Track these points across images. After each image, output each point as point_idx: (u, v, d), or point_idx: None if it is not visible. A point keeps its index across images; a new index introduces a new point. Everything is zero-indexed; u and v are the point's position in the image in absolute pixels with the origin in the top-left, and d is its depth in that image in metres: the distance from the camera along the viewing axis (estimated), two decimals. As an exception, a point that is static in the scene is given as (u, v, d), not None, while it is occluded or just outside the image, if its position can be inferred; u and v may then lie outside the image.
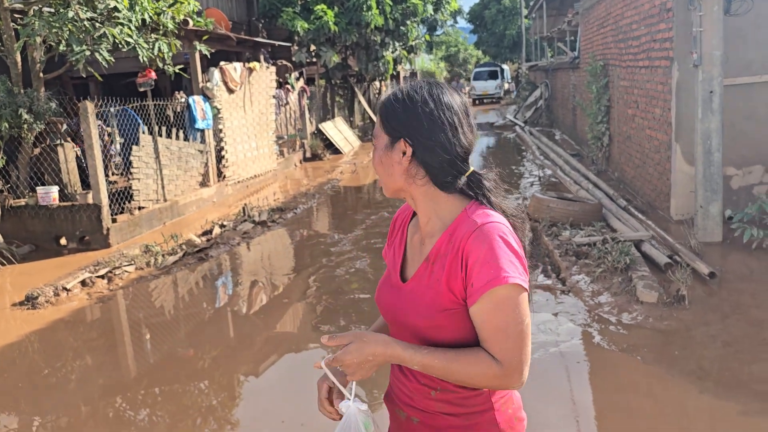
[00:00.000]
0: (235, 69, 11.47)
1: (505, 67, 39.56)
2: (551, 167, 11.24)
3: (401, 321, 1.45)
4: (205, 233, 8.22)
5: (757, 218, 5.90)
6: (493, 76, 35.89)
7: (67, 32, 7.04)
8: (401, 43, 19.77)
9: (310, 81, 17.82)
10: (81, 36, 7.17)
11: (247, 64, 12.16)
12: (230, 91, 11.41)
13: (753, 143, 6.60)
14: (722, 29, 5.85)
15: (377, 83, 24.11)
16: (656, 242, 6.06)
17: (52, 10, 7.23)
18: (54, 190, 7.77)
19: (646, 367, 4.05)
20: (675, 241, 5.93)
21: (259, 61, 13.25)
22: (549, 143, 14.10)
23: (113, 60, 7.64)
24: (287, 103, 14.87)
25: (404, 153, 1.40)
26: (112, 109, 9.52)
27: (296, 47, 16.64)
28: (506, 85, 37.98)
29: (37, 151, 8.08)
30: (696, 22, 5.94)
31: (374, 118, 21.82)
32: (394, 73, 21.76)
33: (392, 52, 19.24)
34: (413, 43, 20.43)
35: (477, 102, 36.37)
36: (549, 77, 20.12)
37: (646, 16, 7.82)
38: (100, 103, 8.31)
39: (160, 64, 8.66)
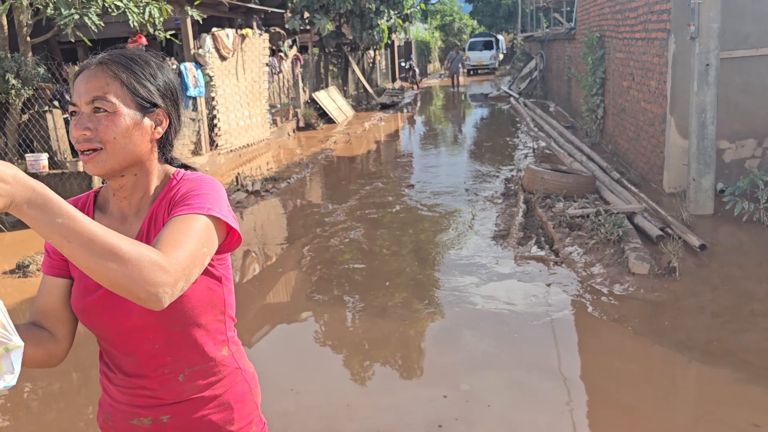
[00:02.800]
0: (227, 36, 11.30)
1: (500, 37, 39.22)
2: (545, 139, 11.22)
3: (119, 319, 1.29)
4: (197, 202, 8.17)
5: (748, 192, 5.92)
6: (487, 46, 35.61)
7: (56, -5, 6.90)
8: (396, 12, 19.53)
9: (303, 49, 17.62)
10: (69, -1, 7.03)
11: (239, 31, 11.98)
12: (222, 58, 11.26)
13: (746, 117, 6.59)
14: (720, 1, 5.79)
15: (371, 52, 23.86)
16: (648, 215, 6.09)
17: (40, -28, 7.07)
18: (43, 158, 7.69)
19: (636, 337, 4.10)
20: (667, 214, 5.96)
21: (251, 27, 13.06)
22: (543, 115, 14.05)
23: (102, 25, 7.50)
24: (280, 71, 14.70)
25: (158, 124, 1.31)
26: (102, 76, 9.37)
27: (290, 14, 16.40)
28: (501, 56, 37.72)
29: (25, 117, 7.98)
30: (694, -7, 5.88)
31: (368, 87, 21.66)
32: (389, 42, 21.54)
33: (387, 21, 19.01)
34: (408, 12, 20.18)
35: (471, 73, 36.13)
36: (544, 48, 19.96)
37: (644, -13, 7.74)
38: (89, 69, 8.16)
39: (151, 30, 8.52)
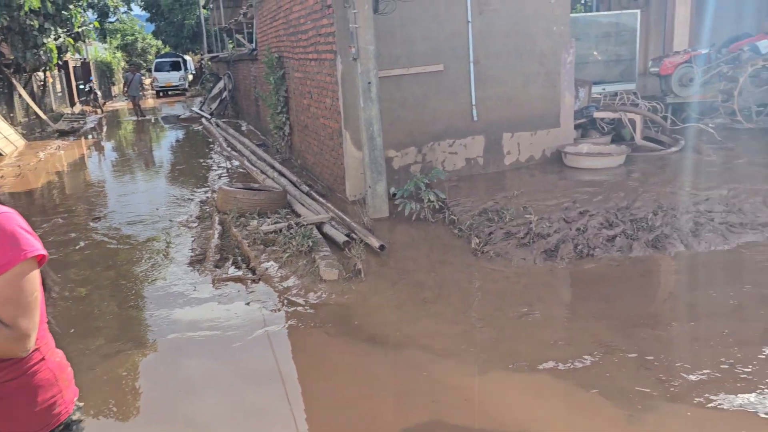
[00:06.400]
0: None
1: (187, 57, 38.52)
2: (239, 158, 11.31)
3: None
4: None
5: (414, 193, 6.75)
6: (175, 67, 34.66)
7: None
8: (65, 30, 17.83)
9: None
10: None
11: None
12: None
13: (407, 128, 7.51)
14: (373, 26, 6.50)
15: (41, 74, 21.38)
16: (336, 223, 6.54)
17: None
18: None
19: (332, 340, 4.37)
20: (351, 220, 6.47)
21: None
22: (236, 134, 14.16)
23: None
24: None
25: None
26: None
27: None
28: (190, 76, 37.05)
29: None
30: (352, 18, 6.49)
31: (40, 113, 19.39)
32: (60, 62, 19.56)
33: (55, 39, 17.23)
34: (80, 30, 18.58)
35: (161, 94, 34.81)
36: (231, 68, 20.14)
37: (311, 12, 8.30)
38: None
39: None
